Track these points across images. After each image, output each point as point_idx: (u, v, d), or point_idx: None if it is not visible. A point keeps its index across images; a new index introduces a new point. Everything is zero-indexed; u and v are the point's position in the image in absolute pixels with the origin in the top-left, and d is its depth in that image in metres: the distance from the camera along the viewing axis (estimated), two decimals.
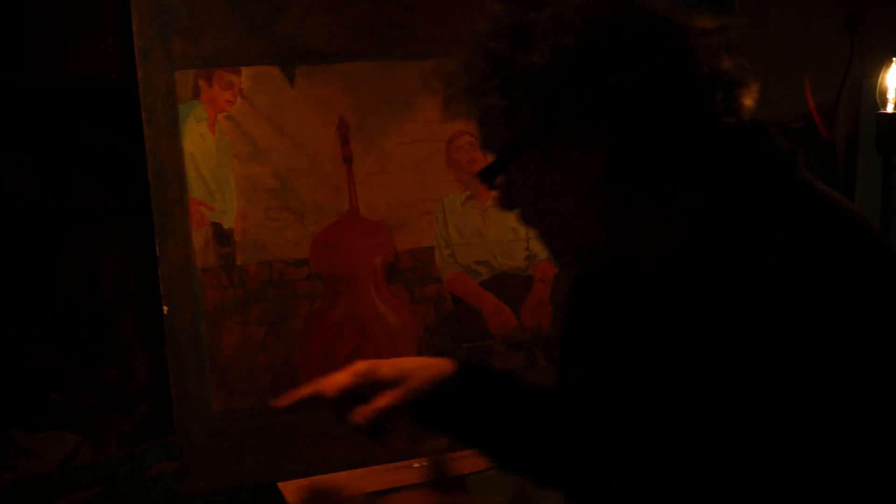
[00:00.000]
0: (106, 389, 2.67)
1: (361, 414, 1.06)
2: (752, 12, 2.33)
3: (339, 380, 1.09)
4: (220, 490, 1.44)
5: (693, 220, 0.87)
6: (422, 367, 1.12)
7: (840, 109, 2.48)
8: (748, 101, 0.87)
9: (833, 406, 0.78)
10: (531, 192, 0.92)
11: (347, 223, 1.56)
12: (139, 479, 2.26)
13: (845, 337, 0.78)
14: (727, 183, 0.87)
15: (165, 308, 1.44)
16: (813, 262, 0.80)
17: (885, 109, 2.28)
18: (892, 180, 2.33)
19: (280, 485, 1.46)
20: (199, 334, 1.45)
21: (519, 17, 0.88)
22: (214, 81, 1.52)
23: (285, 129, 1.55)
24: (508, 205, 0.94)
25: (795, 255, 0.81)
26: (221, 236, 1.49)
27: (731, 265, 0.84)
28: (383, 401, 1.08)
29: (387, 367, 1.10)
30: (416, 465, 1.51)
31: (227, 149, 1.51)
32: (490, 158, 0.92)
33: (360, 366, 1.10)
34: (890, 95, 2.27)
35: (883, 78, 2.28)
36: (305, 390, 1.10)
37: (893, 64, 2.26)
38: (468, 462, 1.51)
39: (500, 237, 1.64)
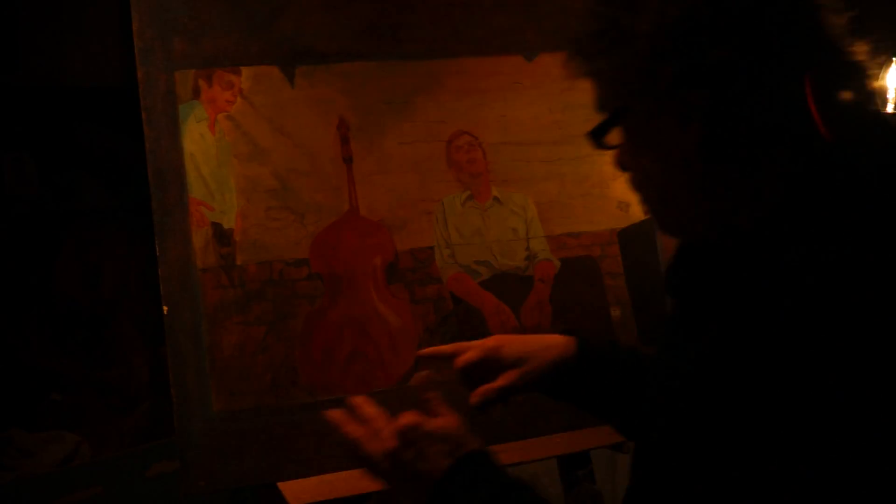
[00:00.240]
0: (106, 389, 2.67)
1: (478, 394, 1.17)
2: None
3: (469, 356, 1.22)
4: (220, 490, 1.44)
5: (774, 205, 0.87)
6: (545, 349, 1.23)
7: None
8: (865, 87, 0.87)
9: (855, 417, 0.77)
10: (635, 156, 0.94)
11: (347, 223, 1.56)
12: (139, 479, 2.26)
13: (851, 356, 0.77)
14: (816, 178, 0.85)
15: (165, 308, 1.44)
16: (850, 286, 0.78)
17: (885, 109, 2.28)
18: None
19: (280, 485, 1.45)
20: (199, 334, 1.45)
21: None
22: (214, 81, 1.52)
23: (285, 129, 1.55)
24: (620, 166, 0.97)
25: (837, 274, 0.79)
26: (221, 236, 1.49)
27: (776, 263, 0.83)
28: (501, 381, 1.19)
29: (512, 346, 1.22)
30: None
31: (227, 149, 1.51)
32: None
33: (489, 342, 1.23)
34: (890, 95, 2.27)
35: (883, 78, 2.28)
36: (446, 348, 1.26)
37: (893, 64, 2.26)
38: None
39: (500, 237, 1.64)
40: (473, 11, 1.67)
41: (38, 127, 2.66)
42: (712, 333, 0.84)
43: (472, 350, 1.23)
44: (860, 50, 0.88)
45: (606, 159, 1.74)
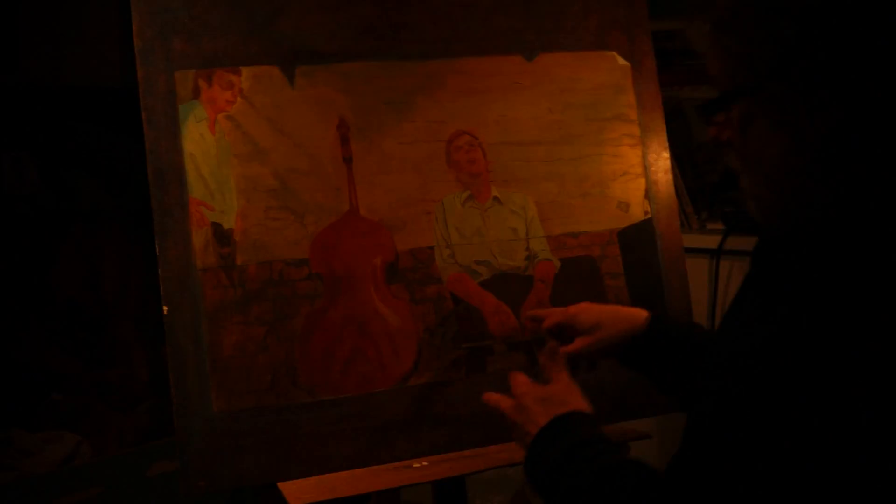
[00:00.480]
0: (106, 389, 2.67)
1: (543, 354, 1.29)
2: None
3: (550, 320, 1.42)
4: (220, 490, 1.44)
5: (872, 199, 0.85)
6: (618, 320, 1.37)
7: None
8: None
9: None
10: (744, 134, 0.93)
11: (347, 223, 1.56)
12: (139, 479, 2.26)
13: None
14: None
15: (165, 308, 1.44)
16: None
17: None
18: None
19: (280, 485, 1.45)
20: (199, 334, 1.45)
21: None
22: (214, 81, 1.52)
23: (285, 129, 1.55)
24: (726, 144, 0.96)
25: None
26: (221, 236, 1.49)
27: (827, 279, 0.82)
28: (573, 346, 1.35)
29: (588, 314, 1.38)
30: (416, 465, 1.51)
31: (227, 149, 1.51)
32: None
33: (571, 309, 1.40)
34: None
35: None
36: (541, 312, 1.46)
37: None
38: (468, 462, 1.51)
39: (500, 237, 1.64)
40: (473, 11, 1.67)
41: (38, 127, 2.66)
42: (788, 318, 0.82)
43: (554, 315, 1.42)
44: None
45: (606, 159, 1.75)
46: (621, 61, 1.75)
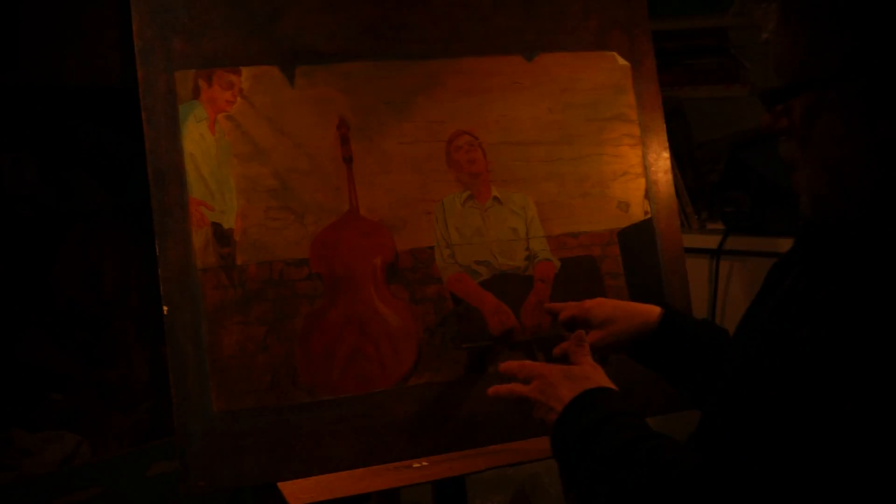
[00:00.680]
0: (106, 389, 2.67)
1: (558, 348, 1.36)
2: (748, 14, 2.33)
3: (565, 313, 1.45)
4: (220, 490, 1.44)
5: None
6: (631, 315, 1.39)
7: None
8: None
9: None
10: (809, 127, 0.90)
11: (347, 223, 1.56)
12: (139, 479, 2.26)
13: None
14: None
15: (165, 308, 1.44)
16: None
17: None
18: None
19: (280, 485, 1.45)
20: (199, 334, 1.45)
21: None
22: (214, 81, 1.52)
23: (285, 129, 1.55)
24: (772, 129, 0.95)
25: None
26: (221, 236, 1.49)
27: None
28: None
29: (602, 309, 1.41)
30: (415, 465, 1.51)
31: (227, 149, 1.51)
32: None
33: (586, 303, 1.43)
34: None
35: None
36: (557, 305, 1.50)
37: None
38: (468, 462, 1.51)
39: (500, 237, 1.64)
40: (473, 11, 1.67)
41: (38, 127, 2.66)
42: (851, 313, 0.82)
43: (569, 308, 1.45)
44: None
45: (606, 159, 1.75)
46: (621, 61, 1.75)
